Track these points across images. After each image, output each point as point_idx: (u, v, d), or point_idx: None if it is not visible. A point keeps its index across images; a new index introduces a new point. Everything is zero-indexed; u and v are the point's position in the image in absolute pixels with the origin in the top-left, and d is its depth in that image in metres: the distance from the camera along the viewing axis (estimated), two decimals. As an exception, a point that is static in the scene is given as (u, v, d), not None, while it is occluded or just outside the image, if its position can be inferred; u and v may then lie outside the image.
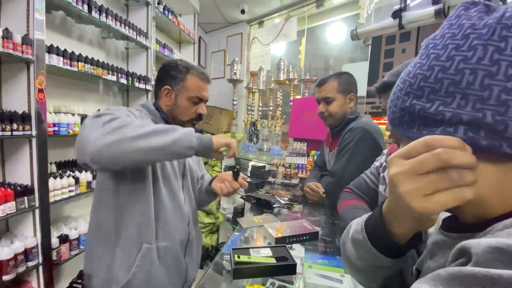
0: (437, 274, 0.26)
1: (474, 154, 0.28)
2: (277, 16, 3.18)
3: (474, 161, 0.27)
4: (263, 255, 0.79)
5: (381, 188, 0.98)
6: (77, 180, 1.66)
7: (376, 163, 1.07)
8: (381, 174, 0.99)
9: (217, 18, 3.38)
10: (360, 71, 2.29)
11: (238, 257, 0.74)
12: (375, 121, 1.40)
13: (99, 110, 2.07)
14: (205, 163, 3.49)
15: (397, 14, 1.94)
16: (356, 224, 0.47)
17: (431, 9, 1.75)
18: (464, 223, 0.35)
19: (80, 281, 1.81)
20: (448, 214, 0.40)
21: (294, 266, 0.75)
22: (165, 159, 0.89)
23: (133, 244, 0.88)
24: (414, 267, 0.46)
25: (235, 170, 1.03)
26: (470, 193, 0.27)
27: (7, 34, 1.25)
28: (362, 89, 2.15)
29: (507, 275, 0.21)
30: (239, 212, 2.79)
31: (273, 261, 0.76)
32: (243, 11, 2.98)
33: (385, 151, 1.07)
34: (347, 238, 0.49)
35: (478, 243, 0.25)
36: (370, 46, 2.26)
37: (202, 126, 3.57)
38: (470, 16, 0.32)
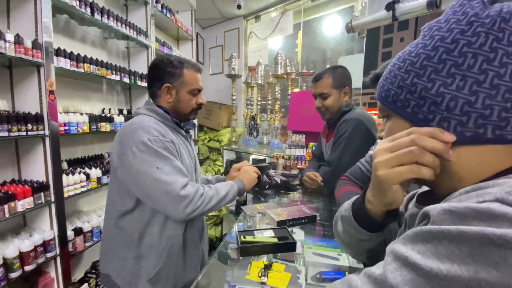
0: (406, 234, 0.32)
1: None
2: (273, 10, 3.21)
3: (442, 148, 0.33)
4: (266, 235, 0.88)
5: None
6: (87, 176, 1.74)
7: (370, 152, 1.15)
8: None
9: (214, 13, 3.40)
10: (356, 63, 2.34)
11: (244, 237, 0.83)
12: (372, 111, 1.47)
13: (103, 109, 2.14)
14: (207, 158, 3.57)
15: (390, 6, 1.99)
16: (346, 204, 0.54)
17: (424, 0, 1.79)
18: (436, 196, 0.41)
19: (94, 271, 1.92)
20: (424, 189, 0.47)
21: (294, 243, 0.84)
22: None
23: (160, 238, 0.97)
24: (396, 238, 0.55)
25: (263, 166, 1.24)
26: (428, 172, 0.34)
27: (18, 40, 1.31)
28: (358, 80, 2.21)
29: (454, 229, 0.27)
30: (241, 204, 2.88)
31: (275, 240, 0.85)
32: (239, 6, 3.01)
33: (378, 140, 1.14)
34: (338, 217, 0.58)
35: (434, 207, 0.31)
36: (365, 38, 2.31)
37: (203, 122, 3.63)
38: (473, 6, 0.35)
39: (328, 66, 1.48)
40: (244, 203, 2.84)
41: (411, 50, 0.39)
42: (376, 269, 0.32)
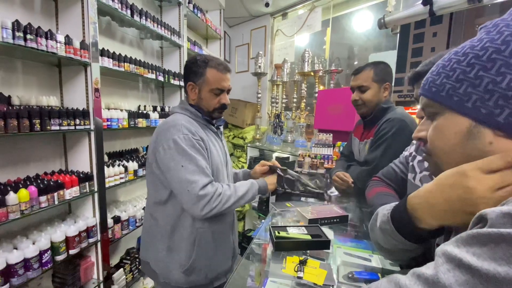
0: (459, 236, 0.32)
1: None
2: (301, 7, 3.18)
3: None
4: (299, 232, 0.90)
5: (410, 176, 1.03)
6: (126, 168, 1.86)
7: (405, 153, 1.11)
8: (410, 163, 1.03)
9: (241, 12, 3.43)
10: (387, 60, 2.26)
11: (278, 232, 0.85)
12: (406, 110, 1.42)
13: (139, 106, 2.26)
14: (231, 154, 3.64)
15: (427, 1, 1.90)
16: (383, 215, 0.53)
17: (465, -6, 1.69)
18: None
19: (128, 257, 2.06)
20: None
21: (328, 242, 0.85)
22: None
23: (190, 230, 1.03)
24: (436, 243, 0.54)
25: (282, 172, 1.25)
26: None
27: (68, 40, 1.42)
28: (391, 78, 2.14)
29: None
30: (264, 201, 2.91)
31: (308, 237, 0.86)
32: (267, 4, 3.00)
33: (414, 141, 1.11)
34: (375, 225, 0.57)
35: (493, 210, 0.30)
36: (398, 35, 2.23)
37: (227, 119, 3.70)
38: None
39: (356, 63, 1.44)
40: (267, 201, 2.87)
41: (473, 44, 0.38)
42: (426, 270, 0.32)
